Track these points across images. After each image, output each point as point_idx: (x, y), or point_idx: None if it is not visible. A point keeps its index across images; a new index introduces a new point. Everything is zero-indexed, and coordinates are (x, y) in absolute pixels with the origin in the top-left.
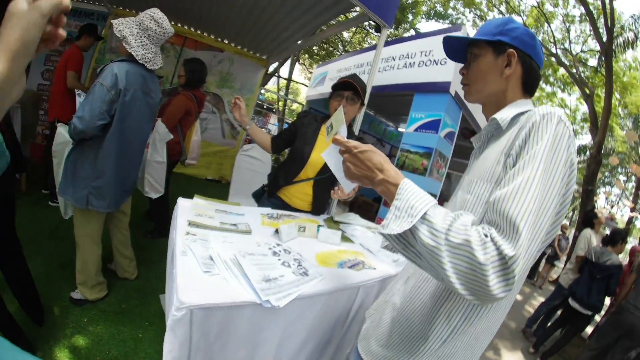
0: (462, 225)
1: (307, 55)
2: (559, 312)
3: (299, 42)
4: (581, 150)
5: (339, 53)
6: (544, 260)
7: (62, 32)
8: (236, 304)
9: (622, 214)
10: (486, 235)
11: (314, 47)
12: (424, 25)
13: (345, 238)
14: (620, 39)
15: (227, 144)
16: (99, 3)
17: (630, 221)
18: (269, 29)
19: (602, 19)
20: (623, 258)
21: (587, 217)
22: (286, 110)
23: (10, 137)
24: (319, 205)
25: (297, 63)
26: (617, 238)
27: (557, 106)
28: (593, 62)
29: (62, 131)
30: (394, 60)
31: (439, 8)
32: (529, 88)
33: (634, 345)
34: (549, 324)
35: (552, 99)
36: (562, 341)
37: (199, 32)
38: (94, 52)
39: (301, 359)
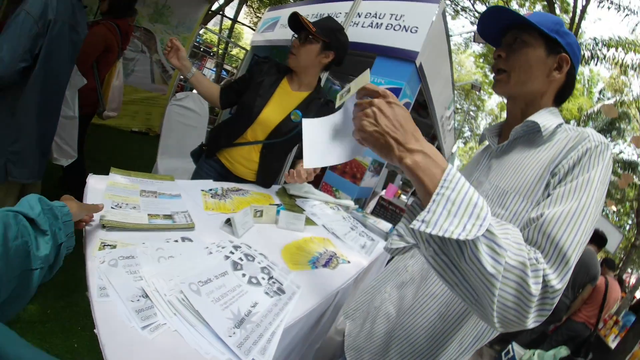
0: (517, 244)
1: None
2: None
3: None
4: None
5: (292, 0)
6: None
7: None
8: None
9: None
10: (536, 260)
11: None
12: None
13: (308, 221)
14: None
15: (157, 90)
16: None
17: None
18: None
19: None
20: None
21: None
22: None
23: None
24: (266, 176)
25: (244, 5)
26: None
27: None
28: None
29: None
30: (359, 17)
31: None
32: (561, 99)
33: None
34: None
35: None
36: None
37: None
38: None
39: None
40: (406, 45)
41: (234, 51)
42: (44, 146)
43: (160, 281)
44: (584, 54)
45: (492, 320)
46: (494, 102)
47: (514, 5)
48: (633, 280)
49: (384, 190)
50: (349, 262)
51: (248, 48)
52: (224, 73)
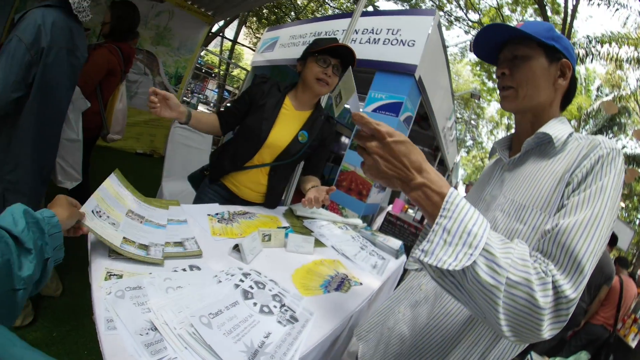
0: (521, 260)
1: (255, 18)
2: None
3: None
4: None
5: (289, 20)
6: None
7: None
8: None
9: None
10: (545, 273)
11: (264, 11)
12: (382, 4)
13: (317, 242)
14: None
15: None
16: None
17: None
18: None
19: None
20: None
21: None
22: (227, 75)
23: None
24: (273, 197)
25: (244, 25)
26: None
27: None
28: None
29: None
30: (356, 33)
31: None
32: (566, 104)
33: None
34: None
35: (492, 94)
36: None
37: None
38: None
39: None
40: (404, 59)
41: (235, 72)
42: (43, 175)
43: (169, 313)
44: (579, 52)
45: (505, 334)
46: (493, 109)
47: (506, 12)
48: None
49: (391, 206)
50: (361, 283)
51: (249, 68)
52: (226, 94)
